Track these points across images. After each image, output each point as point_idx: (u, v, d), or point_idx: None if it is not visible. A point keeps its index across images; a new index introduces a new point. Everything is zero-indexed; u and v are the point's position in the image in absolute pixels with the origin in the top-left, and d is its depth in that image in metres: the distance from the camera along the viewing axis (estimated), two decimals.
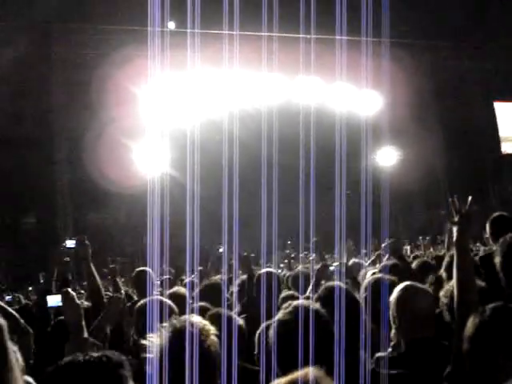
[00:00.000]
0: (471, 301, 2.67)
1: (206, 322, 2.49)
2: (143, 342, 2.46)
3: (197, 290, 5.07)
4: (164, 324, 2.45)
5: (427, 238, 13.10)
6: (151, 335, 2.40)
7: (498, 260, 3.13)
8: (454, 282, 2.82)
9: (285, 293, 4.99)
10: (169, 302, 3.68)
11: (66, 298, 3.21)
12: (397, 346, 2.87)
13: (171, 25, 16.77)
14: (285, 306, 2.53)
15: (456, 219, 2.95)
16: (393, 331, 2.89)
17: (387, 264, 5.00)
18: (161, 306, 3.29)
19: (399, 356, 2.74)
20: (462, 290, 2.72)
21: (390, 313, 2.90)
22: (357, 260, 6.49)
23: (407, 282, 3.11)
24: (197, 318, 2.48)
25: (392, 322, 2.89)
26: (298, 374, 2.06)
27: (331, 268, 5.89)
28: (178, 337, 2.33)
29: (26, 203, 16.99)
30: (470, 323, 2.25)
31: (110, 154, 15.52)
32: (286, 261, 11.13)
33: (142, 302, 3.90)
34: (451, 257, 4.16)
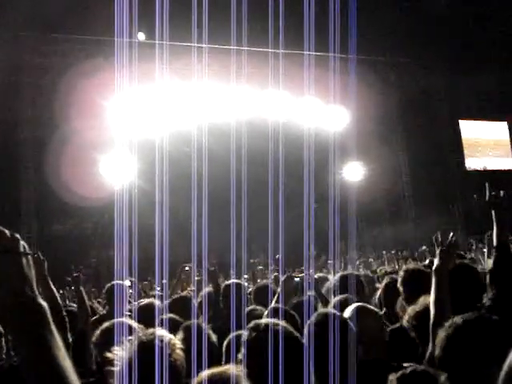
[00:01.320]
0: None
1: (172, 336, 2.47)
2: (108, 354, 2.41)
3: (166, 303, 5.03)
4: (130, 337, 2.42)
5: (392, 252, 13.26)
6: (116, 348, 2.36)
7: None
8: (431, 305, 2.98)
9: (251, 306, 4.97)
10: (136, 325, 3.46)
11: None
12: None
13: (141, 36, 16.76)
14: (251, 325, 2.52)
15: (438, 252, 3.28)
16: None
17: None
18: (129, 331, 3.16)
19: None
20: (439, 314, 2.90)
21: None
22: (322, 274, 6.51)
23: (358, 303, 3.18)
24: (163, 332, 2.47)
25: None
26: (220, 369, 2.12)
27: (296, 279, 5.91)
28: (145, 350, 2.30)
29: None
30: (443, 331, 2.30)
31: (76, 166, 15.36)
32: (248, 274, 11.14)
33: (107, 324, 3.55)
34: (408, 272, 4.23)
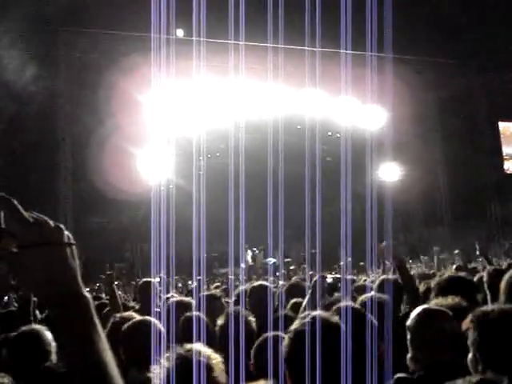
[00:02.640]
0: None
1: (211, 351, 2.41)
2: (148, 374, 2.36)
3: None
4: (167, 353, 2.34)
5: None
6: (154, 367, 2.31)
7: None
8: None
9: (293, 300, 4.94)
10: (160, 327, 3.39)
11: None
12: (415, 368, 2.87)
13: (179, 32, 16.87)
14: (302, 315, 2.51)
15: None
16: (410, 354, 2.88)
17: (387, 279, 4.88)
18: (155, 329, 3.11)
19: (419, 379, 2.74)
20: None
21: (409, 336, 2.91)
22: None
23: (425, 305, 3.16)
24: (201, 347, 2.42)
25: (410, 345, 2.89)
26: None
27: (328, 280, 5.87)
28: (184, 367, 2.22)
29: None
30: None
31: (114, 160, 15.54)
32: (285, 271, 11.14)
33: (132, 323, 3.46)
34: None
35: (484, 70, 19.22)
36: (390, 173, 19.00)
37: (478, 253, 8.01)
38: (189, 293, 7.64)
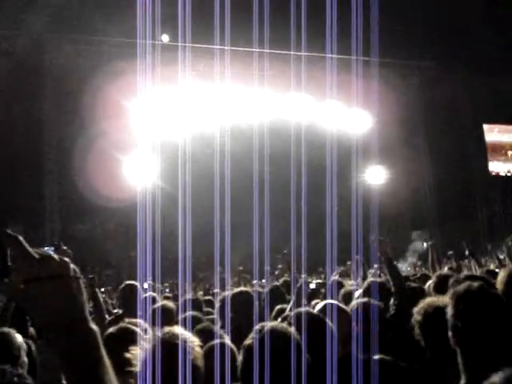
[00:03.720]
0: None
1: (190, 334, 2.44)
2: (127, 355, 2.38)
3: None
4: (147, 336, 2.39)
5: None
6: (134, 348, 2.33)
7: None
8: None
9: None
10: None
11: None
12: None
13: (165, 38, 16.87)
14: (257, 328, 2.48)
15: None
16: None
17: (374, 282, 4.85)
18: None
19: None
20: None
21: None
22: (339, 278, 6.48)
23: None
24: (180, 330, 2.45)
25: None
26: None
27: (311, 286, 5.89)
28: (167, 348, 2.27)
29: (13, 213, 16.87)
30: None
31: (100, 166, 15.48)
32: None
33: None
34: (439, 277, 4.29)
35: (469, 73, 19.37)
36: (375, 176, 19.08)
37: (466, 253, 8.03)
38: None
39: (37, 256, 1.19)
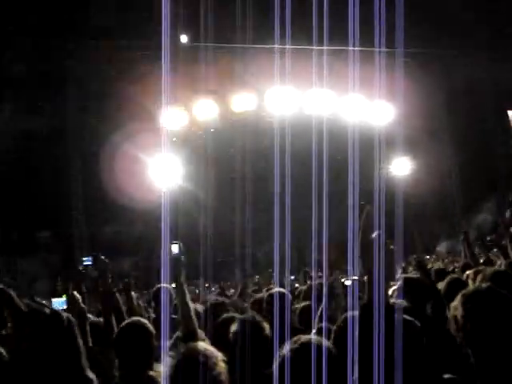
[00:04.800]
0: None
1: (214, 349, 2.42)
2: (151, 373, 2.36)
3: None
4: (171, 352, 2.38)
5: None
6: (158, 365, 2.32)
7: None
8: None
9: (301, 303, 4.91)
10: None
11: (72, 300, 3.18)
12: None
13: (183, 38, 16.92)
14: (293, 340, 2.45)
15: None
16: None
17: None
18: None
19: None
20: None
21: None
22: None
23: None
24: (204, 345, 2.42)
25: None
26: None
27: (347, 283, 5.82)
28: (188, 365, 2.27)
29: (42, 217, 17.10)
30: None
31: (125, 169, 15.61)
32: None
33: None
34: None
35: (491, 60, 19.05)
36: (400, 167, 18.91)
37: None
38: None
39: (26, 310, 1.20)
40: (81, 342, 1.19)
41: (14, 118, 16.12)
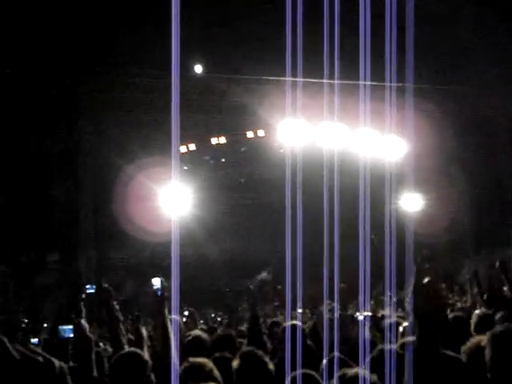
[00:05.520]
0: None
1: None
2: None
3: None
4: None
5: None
6: None
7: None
8: None
9: None
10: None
11: (78, 328, 3.16)
12: None
13: (198, 68, 17.09)
14: (340, 373, 2.45)
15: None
16: None
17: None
18: None
19: None
20: None
21: None
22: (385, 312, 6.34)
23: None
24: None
25: None
26: None
27: (359, 318, 5.78)
28: None
29: (50, 241, 17.15)
30: None
31: (135, 197, 15.66)
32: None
33: None
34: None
35: (504, 95, 19.07)
36: (411, 203, 18.81)
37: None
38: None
39: (19, 358, 1.21)
40: None
41: (27, 145, 16.28)
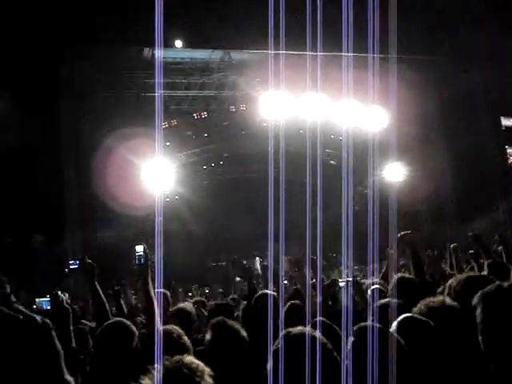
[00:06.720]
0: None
1: (199, 362, 2.37)
2: None
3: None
4: (155, 365, 2.31)
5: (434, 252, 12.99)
6: (142, 378, 2.27)
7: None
8: None
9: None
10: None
11: (54, 299, 3.16)
12: None
13: (178, 43, 16.93)
14: (283, 333, 2.46)
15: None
16: None
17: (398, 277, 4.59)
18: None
19: None
20: None
21: None
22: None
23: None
24: (190, 359, 2.38)
25: None
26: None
27: (341, 284, 5.84)
28: (172, 379, 2.22)
29: (35, 221, 17.05)
30: None
31: (119, 174, 15.57)
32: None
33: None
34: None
35: (484, 67, 19.13)
36: (394, 173, 18.93)
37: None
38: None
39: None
40: (59, 344, 1.17)
41: (8, 125, 16.08)
